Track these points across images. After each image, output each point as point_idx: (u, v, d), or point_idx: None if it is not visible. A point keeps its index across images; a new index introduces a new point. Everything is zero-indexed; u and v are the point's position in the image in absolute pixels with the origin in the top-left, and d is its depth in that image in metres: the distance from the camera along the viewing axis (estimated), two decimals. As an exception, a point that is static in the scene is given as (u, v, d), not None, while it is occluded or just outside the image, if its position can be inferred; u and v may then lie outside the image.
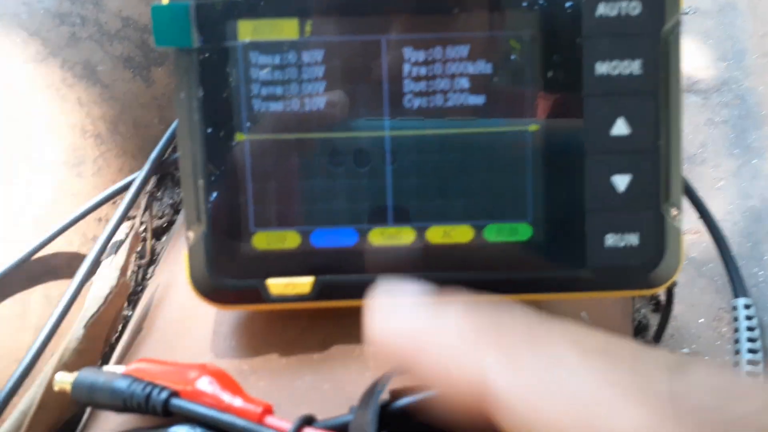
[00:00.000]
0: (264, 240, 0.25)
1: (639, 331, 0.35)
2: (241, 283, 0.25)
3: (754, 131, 0.51)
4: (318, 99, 0.24)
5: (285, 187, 0.24)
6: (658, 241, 0.24)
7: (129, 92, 0.42)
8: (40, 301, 0.34)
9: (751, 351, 0.33)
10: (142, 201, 0.39)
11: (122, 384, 0.22)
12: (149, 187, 0.40)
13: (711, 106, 0.51)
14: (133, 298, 0.36)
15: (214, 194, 0.24)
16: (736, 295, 0.34)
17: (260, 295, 0.25)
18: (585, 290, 0.25)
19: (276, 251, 0.25)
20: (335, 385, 0.24)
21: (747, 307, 0.33)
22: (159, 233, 0.41)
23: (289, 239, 0.25)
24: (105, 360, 0.32)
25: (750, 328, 0.33)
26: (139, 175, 0.34)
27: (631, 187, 0.24)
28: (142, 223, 0.39)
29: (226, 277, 0.25)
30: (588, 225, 0.24)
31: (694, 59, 0.56)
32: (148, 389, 0.21)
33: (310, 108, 0.24)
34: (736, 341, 0.33)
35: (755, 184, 0.46)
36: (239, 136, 0.24)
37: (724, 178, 0.47)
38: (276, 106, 0.24)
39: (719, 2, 0.59)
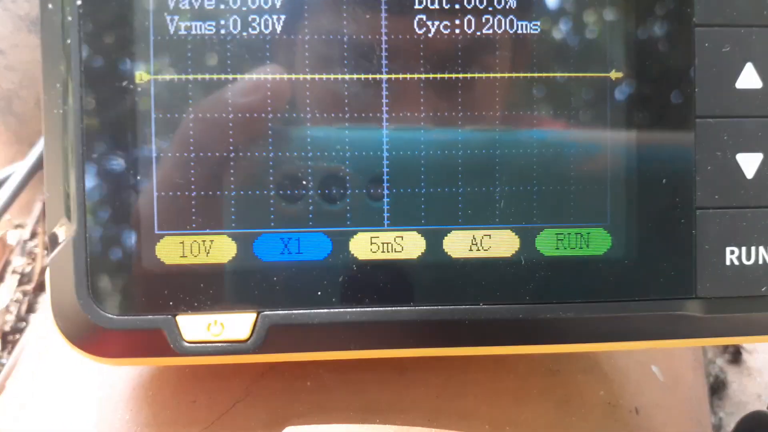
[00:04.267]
0: (175, 249, 0.15)
1: (716, 390, 0.26)
2: (135, 320, 0.15)
3: None
4: (268, 18, 0.15)
5: (211, 160, 0.15)
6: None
7: (34, 63, 0.32)
8: None
9: None
10: (37, 204, 0.29)
11: None
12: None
13: None
14: (10, 339, 0.26)
15: (94, 169, 0.14)
16: None
17: (167, 341, 0.15)
18: (692, 335, 0.16)
19: (195, 267, 0.15)
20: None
21: None
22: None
23: (217, 249, 0.15)
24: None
25: None
26: (22, 167, 0.24)
27: (765, 170, 0.15)
28: (33, 236, 0.28)
29: (110, 309, 0.15)
30: (699, 232, 0.15)
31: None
32: None
33: (256, 31, 0.15)
34: None
35: None
36: (141, 75, 0.15)
37: None
38: (204, 29, 0.15)
39: None
